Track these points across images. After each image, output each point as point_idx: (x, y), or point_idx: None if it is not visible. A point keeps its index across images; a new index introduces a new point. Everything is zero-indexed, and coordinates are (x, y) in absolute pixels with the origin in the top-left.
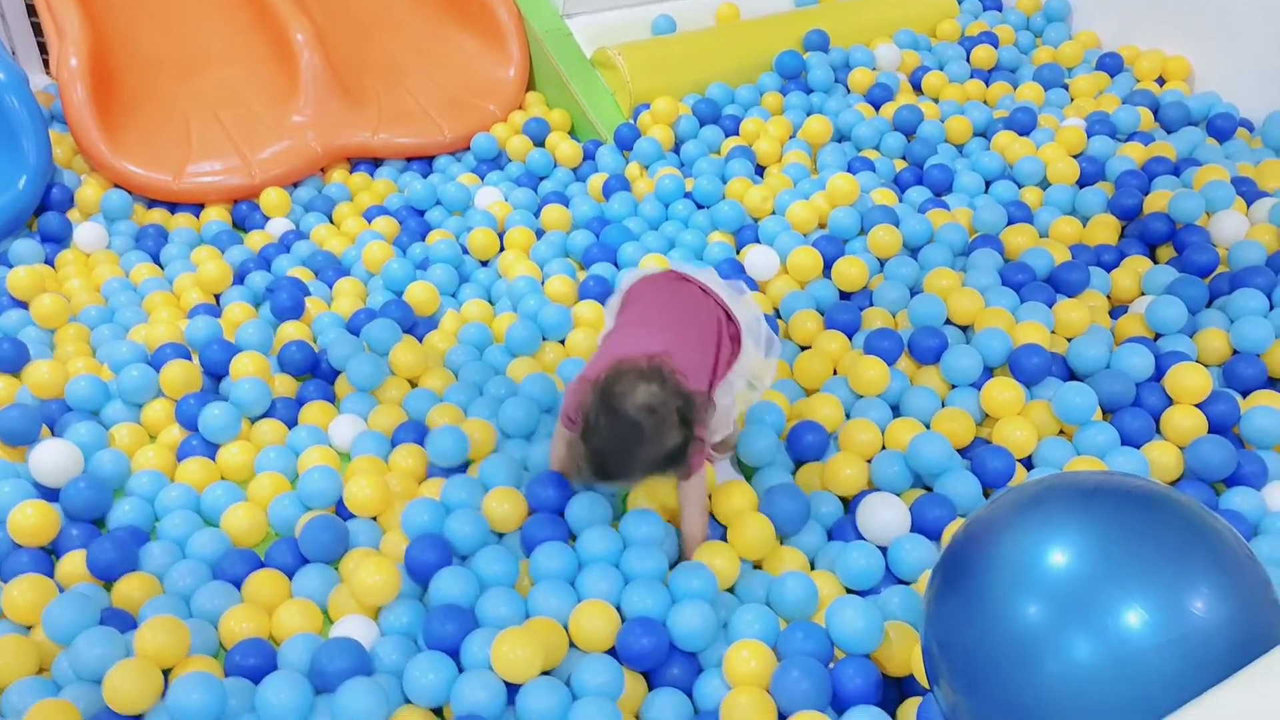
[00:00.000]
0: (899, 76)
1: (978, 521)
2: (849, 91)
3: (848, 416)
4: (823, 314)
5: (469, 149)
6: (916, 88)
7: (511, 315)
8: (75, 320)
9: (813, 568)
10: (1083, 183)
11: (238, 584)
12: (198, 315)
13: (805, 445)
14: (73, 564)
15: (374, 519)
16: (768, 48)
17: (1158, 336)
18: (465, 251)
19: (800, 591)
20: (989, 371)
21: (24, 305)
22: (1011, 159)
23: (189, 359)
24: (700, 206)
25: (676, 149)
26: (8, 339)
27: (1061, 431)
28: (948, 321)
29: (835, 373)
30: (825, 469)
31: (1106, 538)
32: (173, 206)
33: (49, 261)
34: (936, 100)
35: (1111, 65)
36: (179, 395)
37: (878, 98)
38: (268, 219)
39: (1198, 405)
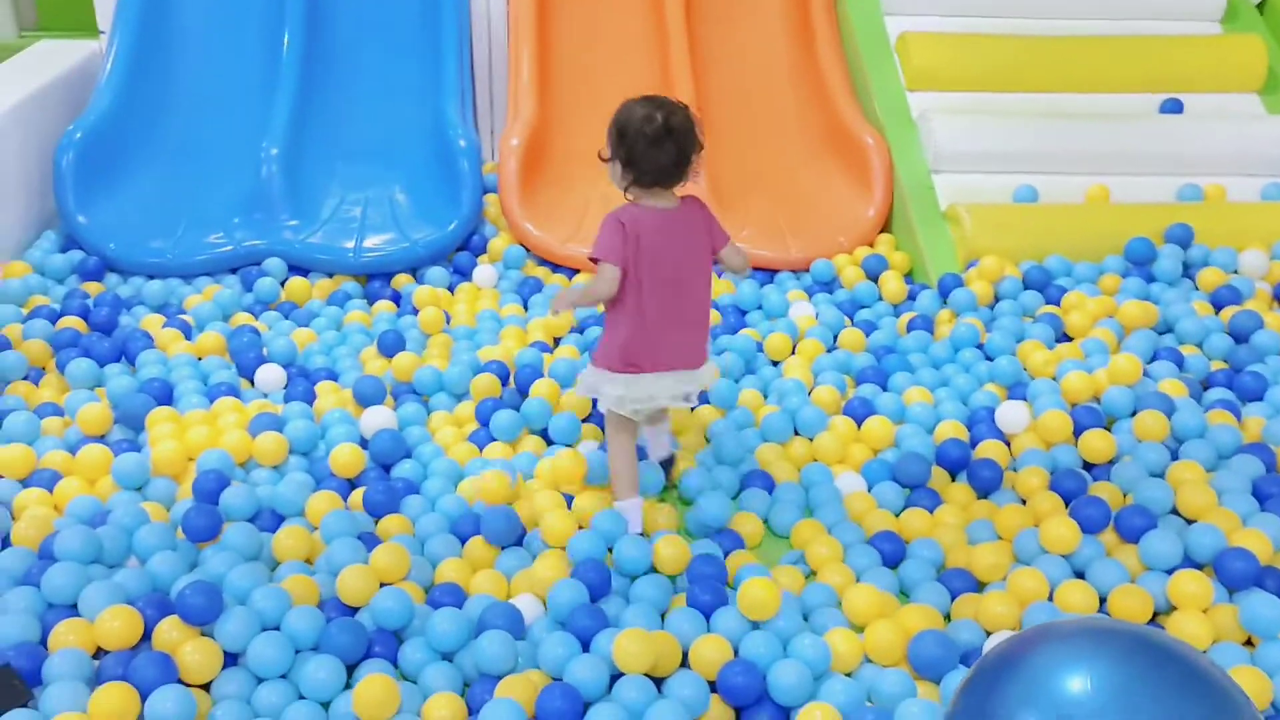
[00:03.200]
0: (1257, 284)
1: (1011, 640)
2: (1195, 288)
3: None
4: (1051, 474)
5: (808, 269)
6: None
7: (774, 407)
8: (446, 331)
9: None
10: None
11: (463, 541)
12: (531, 348)
13: (955, 590)
14: (354, 496)
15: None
16: (1124, 231)
17: None
18: (760, 349)
19: (898, 689)
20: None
21: (416, 312)
22: None
23: (504, 374)
24: (989, 359)
25: (992, 306)
26: (393, 331)
27: (1249, 642)
28: (1174, 511)
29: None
30: (981, 601)
31: (1118, 679)
32: (554, 267)
33: (450, 288)
34: None
35: None
36: (480, 398)
37: (1222, 299)
38: None
39: None
